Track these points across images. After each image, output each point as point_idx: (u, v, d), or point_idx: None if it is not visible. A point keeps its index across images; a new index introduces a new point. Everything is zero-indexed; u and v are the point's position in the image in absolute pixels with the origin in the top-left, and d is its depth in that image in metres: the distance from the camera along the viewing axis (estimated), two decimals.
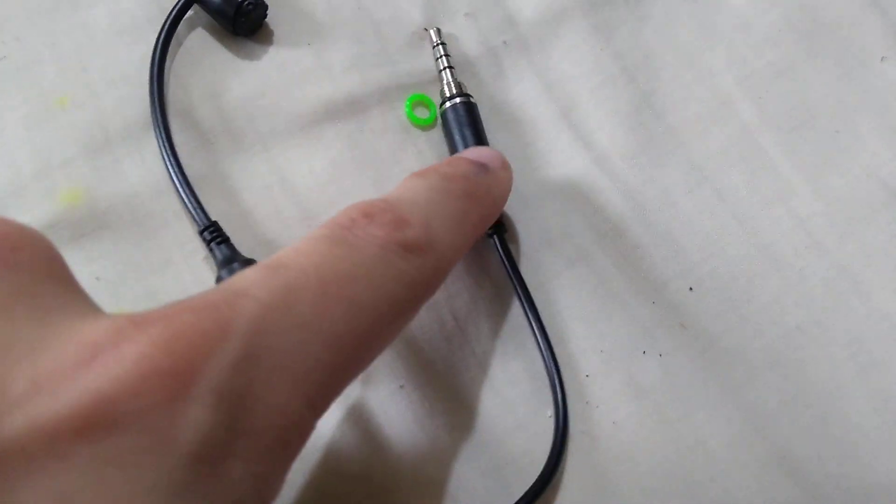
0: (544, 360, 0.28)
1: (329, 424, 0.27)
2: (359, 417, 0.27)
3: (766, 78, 0.33)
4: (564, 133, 0.32)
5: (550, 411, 0.28)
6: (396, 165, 0.32)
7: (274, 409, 0.17)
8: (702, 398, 0.28)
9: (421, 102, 0.32)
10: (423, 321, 0.29)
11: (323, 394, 0.19)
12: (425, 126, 0.32)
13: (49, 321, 0.17)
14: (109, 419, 0.15)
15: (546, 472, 0.27)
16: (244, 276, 0.19)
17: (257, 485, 0.17)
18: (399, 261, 0.21)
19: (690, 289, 0.30)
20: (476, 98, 0.32)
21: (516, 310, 0.30)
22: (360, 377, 0.28)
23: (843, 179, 0.32)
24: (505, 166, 0.27)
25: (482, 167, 0.26)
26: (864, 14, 0.34)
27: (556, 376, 0.28)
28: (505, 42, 0.34)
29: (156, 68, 0.31)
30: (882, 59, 0.34)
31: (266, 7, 0.33)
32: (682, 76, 0.33)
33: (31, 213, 0.29)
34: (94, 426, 0.15)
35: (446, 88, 0.32)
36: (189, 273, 0.29)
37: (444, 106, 0.31)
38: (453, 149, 0.31)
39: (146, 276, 0.29)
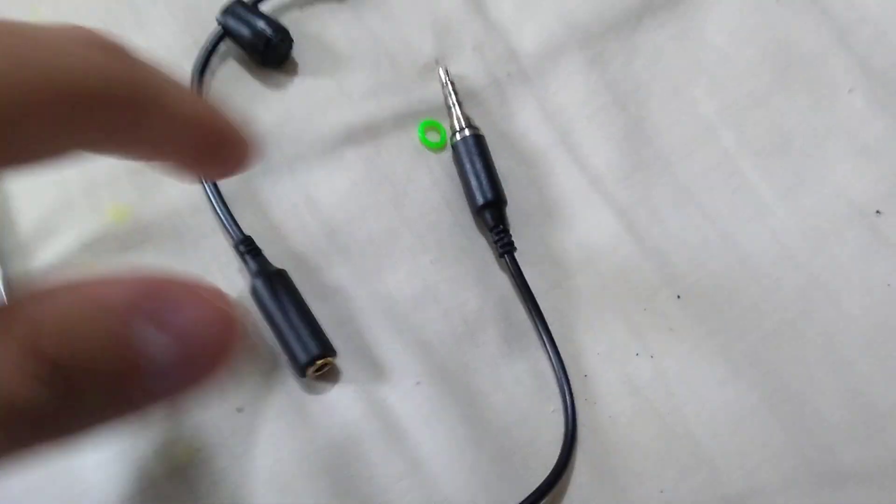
0: (551, 362, 0.31)
1: (351, 418, 0.30)
2: (380, 410, 0.30)
3: (745, 107, 0.37)
4: (562, 156, 0.36)
5: (553, 406, 0.31)
6: (410, 184, 0.35)
7: None
8: (689, 394, 0.31)
9: (432, 127, 0.36)
10: (438, 326, 0.32)
11: None
12: (436, 148, 0.35)
13: None
14: None
15: (560, 462, 0.30)
16: None
17: None
18: (84, 48, 0.19)
19: (678, 297, 0.33)
20: (482, 124, 0.35)
21: (520, 316, 0.33)
22: (380, 374, 0.31)
23: (814, 198, 0.35)
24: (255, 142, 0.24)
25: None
26: (833, 50, 0.38)
27: (563, 376, 0.31)
28: (508, 74, 0.37)
29: None
30: (849, 90, 0.37)
31: (292, 41, 0.36)
32: (668, 105, 0.37)
33: (80, 227, 0.32)
34: None
35: (456, 122, 0.35)
36: (224, 282, 0.32)
37: (454, 138, 0.34)
38: (464, 176, 0.34)
39: None
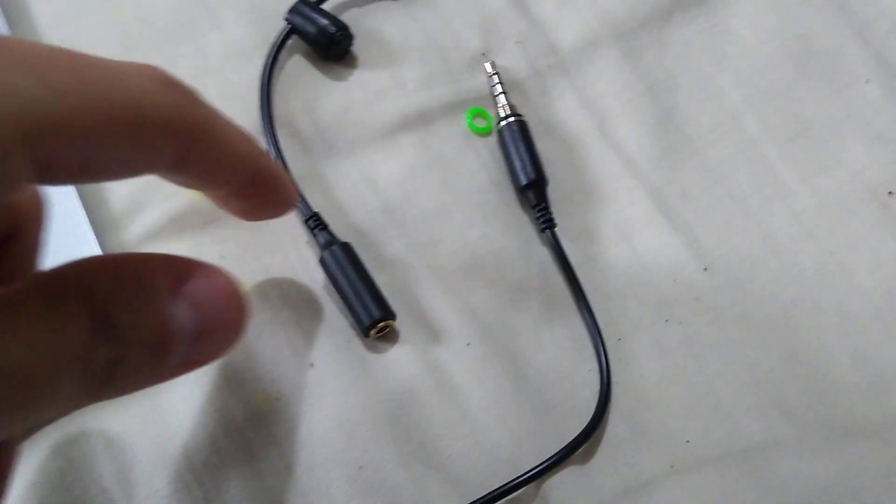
0: (588, 326, 0.35)
1: (409, 374, 0.34)
2: (434, 368, 0.34)
3: (768, 96, 0.40)
4: (599, 141, 0.39)
5: (589, 367, 0.34)
6: (459, 166, 0.38)
7: None
8: (713, 357, 0.35)
9: (479, 114, 0.39)
10: (485, 294, 0.35)
11: (39, 133, 0.18)
12: (483, 134, 0.39)
13: None
14: None
15: (596, 415, 0.33)
16: None
17: None
18: (151, 83, 0.22)
19: (705, 269, 0.36)
20: (524, 112, 0.38)
21: (559, 285, 0.36)
22: (434, 336, 0.34)
23: (831, 181, 0.38)
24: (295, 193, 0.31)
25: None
26: (851, 43, 0.41)
27: (598, 338, 0.34)
28: (549, 65, 0.40)
29: (265, 87, 0.38)
30: (866, 81, 0.40)
31: (352, 37, 0.39)
32: (697, 94, 0.40)
33: (167, 204, 0.36)
34: None
35: (501, 110, 0.38)
36: (295, 254, 0.36)
37: (500, 125, 0.38)
38: (508, 159, 0.37)
39: (261, 256, 0.36)
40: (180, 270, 0.23)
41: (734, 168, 0.38)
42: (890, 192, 0.37)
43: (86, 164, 0.20)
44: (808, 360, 0.35)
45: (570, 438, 0.32)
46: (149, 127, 0.21)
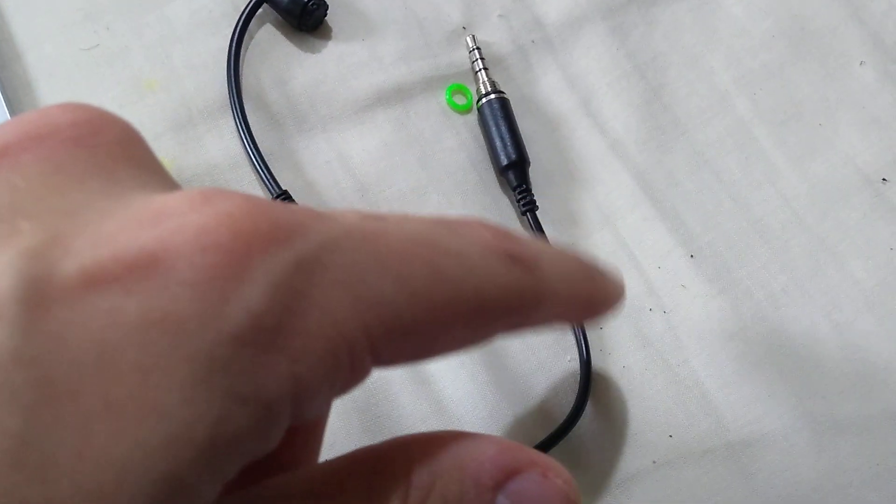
0: None
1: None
2: None
3: (760, 77, 0.38)
4: (584, 121, 0.37)
5: (569, 356, 0.33)
6: (437, 144, 0.36)
7: (328, 318, 0.16)
8: (698, 347, 0.33)
9: (459, 91, 0.37)
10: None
11: (383, 332, 0.17)
12: (463, 111, 0.37)
13: (122, 196, 0.17)
14: (158, 278, 0.15)
15: (576, 407, 0.31)
16: (340, 210, 0.19)
17: (296, 388, 0.16)
18: (497, 263, 0.19)
19: (691, 256, 0.35)
20: (507, 89, 0.37)
21: None
22: None
23: (823, 166, 0.37)
24: (620, 283, 0.25)
25: (601, 267, 0.24)
26: (846, 24, 0.39)
27: (580, 327, 0.33)
28: (533, 41, 0.39)
29: (233, 58, 0.36)
30: (860, 63, 0.38)
31: (327, 7, 0.37)
32: (686, 74, 0.38)
33: None
34: (140, 279, 0.15)
35: (482, 87, 0.36)
36: None
37: (480, 102, 0.36)
38: (489, 137, 0.36)
39: None
40: (510, 462, 0.20)
41: (723, 151, 0.37)
42: (884, 179, 0.36)
43: (415, 354, 0.19)
44: (797, 352, 0.33)
45: (549, 431, 0.31)
46: (488, 315, 0.19)
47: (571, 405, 0.32)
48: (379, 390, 0.32)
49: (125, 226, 0.15)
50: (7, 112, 0.34)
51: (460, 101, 0.37)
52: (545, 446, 0.31)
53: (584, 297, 0.23)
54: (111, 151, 0.18)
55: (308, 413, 0.17)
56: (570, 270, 0.22)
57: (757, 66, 0.38)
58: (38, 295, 0.14)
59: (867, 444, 0.32)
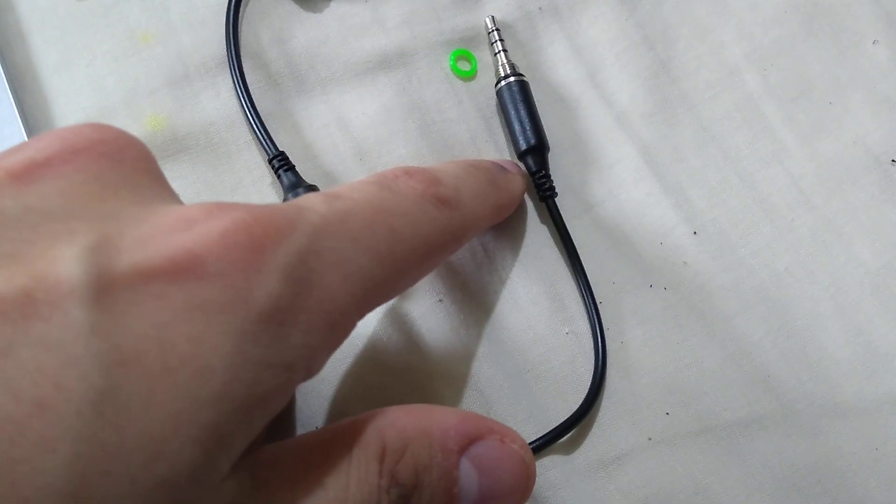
0: (580, 290, 0.32)
1: (378, 328, 0.31)
2: (403, 324, 0.32)
3: (771, 53, 0.37)
4: (589, 92, 0.36)
5: (567, 328, 0.32)
6: (439, 112, 0.35)
7: (327, 296, 0.20)
8: (698, 325, 0.33)
9: (463, 56, 0.36)
10: (460, 251, 0.33)
11: (365, 296, 0.22)
12: (466, 78, 0.36)
13: (149, 204, 0.21)
14: (197, 272, 0.18)
15: (592, 389, 0.31)
16: (308, 198, 0.23)
17: (307, 354, 0.20)
18: (432, 209, 0.25)
19: (694, 233, 0.34)
20: (512, 58, 0.36)
21: (536, 242, 0.34)
22: (403, 294, 0.32)
23: (832, 145, 0.36)
24: (521, 174, 0.33)
25: (503, 168, 0.31)
26: (861, 2, 0.38)
27: (591, 302, 0.32)
28: (540, 8, 0.38)
29: (231, 13, 0.35)
30: (874, 41, 0.38)
31: None
32: (696, 47, 0.37)
33: None
34: (183, 273, 0.18)
35: (501, 69, 0.35)
36: (257, 195, 0.33)
37: (499, 84, 0.35)
38: (508, 121, 0.34)
39: (219, 196, 0.33)
40: (471, 429, 0.23)
41: (731, 127, 0.36)
42: (893, 160, 0.35)
43: (383, 301, 0.24)
44: (799, 333, 0.33)
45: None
46: (433, 255, 0.25)
47: (568, 376, 0.31)
48: (371, 357, 0.31)
49: (160, 230, 0.19)
50: None
51: (464, 66, 0.36)
52: (555, 436, 0.30)
53: (496, 209, 0.30)
54: (136, 166, 0.22)
55: (315, 371, 0.21)
56: (482, 188, 0.28)
57: (768, 41, 0.37)
58: (103, 282, 0.17)
59: (867, 428, 0.31)
